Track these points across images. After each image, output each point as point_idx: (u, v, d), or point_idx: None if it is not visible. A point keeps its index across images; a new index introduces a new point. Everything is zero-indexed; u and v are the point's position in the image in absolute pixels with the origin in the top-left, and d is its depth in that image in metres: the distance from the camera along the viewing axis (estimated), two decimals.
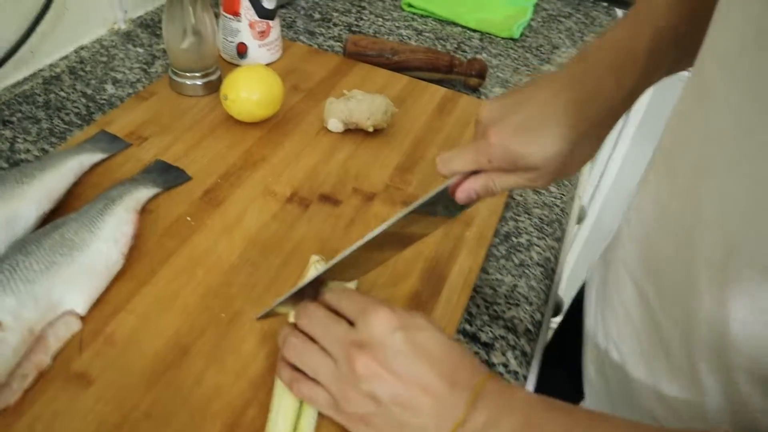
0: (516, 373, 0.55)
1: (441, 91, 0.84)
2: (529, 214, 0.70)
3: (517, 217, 0.69)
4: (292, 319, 0.49)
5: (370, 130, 0.72)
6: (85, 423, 0.44)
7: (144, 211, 0.60)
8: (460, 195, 0.49)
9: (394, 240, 0.51)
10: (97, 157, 0.64)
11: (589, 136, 0.46)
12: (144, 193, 0.60)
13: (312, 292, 0.48)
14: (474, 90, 0.88)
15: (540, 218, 0.69)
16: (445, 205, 0.50)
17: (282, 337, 0.47)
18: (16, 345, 0.45)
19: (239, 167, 0.67)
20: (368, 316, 0.42)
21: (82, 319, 0.50)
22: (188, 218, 0.60)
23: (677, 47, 0.48)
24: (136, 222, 0.57)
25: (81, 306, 0.50)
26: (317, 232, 0.61)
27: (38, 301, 0.48)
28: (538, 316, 0.61)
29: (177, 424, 0.45)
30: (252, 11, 0.79)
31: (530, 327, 0.59)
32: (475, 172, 0.49)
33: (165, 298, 0.53)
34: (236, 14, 0.79)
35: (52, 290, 0.49)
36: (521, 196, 0.72)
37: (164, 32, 0.73)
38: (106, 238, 0.53)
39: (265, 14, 0.80)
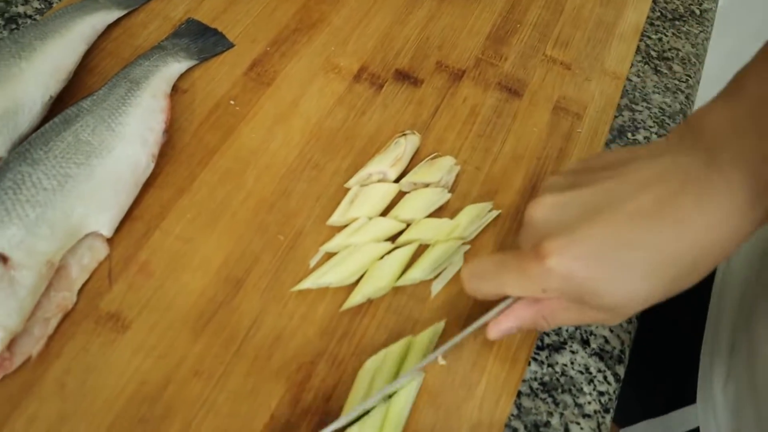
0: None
1: None
2: (647, 102, 0.55)
3: (633, 106, 0.54)
4: None
5: None
6: (122, 380, 0.36)
7: (176, 91, 0.47)
8: (494, 334, 0.35)
9: None
10: (113, 15, 0.50)
11: (698, 265, 0.30)
12: (175, 68, 0.47)
13: None
14: None
15: (660, 107, 0.55)
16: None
17: None
18: (32, 284, 0.36)
19: (293, 30, 0.53)
20: None
21: (109, 242, 0.41)
22: (232, 102, 0.48)
23: None
24: (168, 111, 0.44)
25: (106, 227, 0.40)
26: (396, 124, 0.48)
27: (54, 227, 0.38)
28: None
29: (232, 385, 0.37)
30: None
31: None
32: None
33: (208, 212, 0.43)
34: None
35: (71, 212, 0.38)
36: (639, 77, 0.56)
37: None
38: (132, 138, 0.42)
39: None
